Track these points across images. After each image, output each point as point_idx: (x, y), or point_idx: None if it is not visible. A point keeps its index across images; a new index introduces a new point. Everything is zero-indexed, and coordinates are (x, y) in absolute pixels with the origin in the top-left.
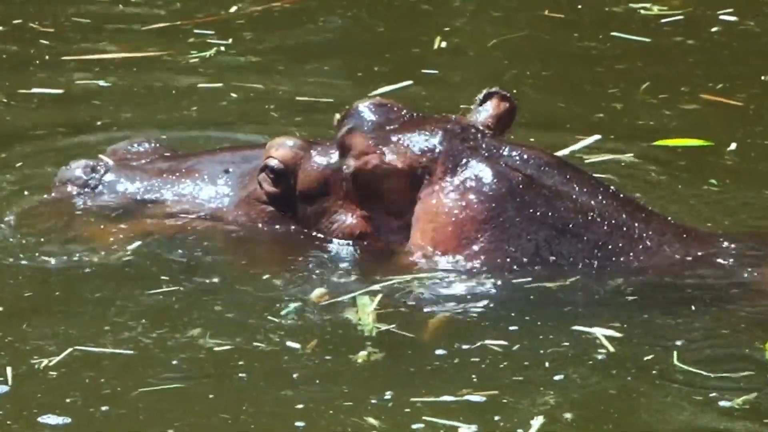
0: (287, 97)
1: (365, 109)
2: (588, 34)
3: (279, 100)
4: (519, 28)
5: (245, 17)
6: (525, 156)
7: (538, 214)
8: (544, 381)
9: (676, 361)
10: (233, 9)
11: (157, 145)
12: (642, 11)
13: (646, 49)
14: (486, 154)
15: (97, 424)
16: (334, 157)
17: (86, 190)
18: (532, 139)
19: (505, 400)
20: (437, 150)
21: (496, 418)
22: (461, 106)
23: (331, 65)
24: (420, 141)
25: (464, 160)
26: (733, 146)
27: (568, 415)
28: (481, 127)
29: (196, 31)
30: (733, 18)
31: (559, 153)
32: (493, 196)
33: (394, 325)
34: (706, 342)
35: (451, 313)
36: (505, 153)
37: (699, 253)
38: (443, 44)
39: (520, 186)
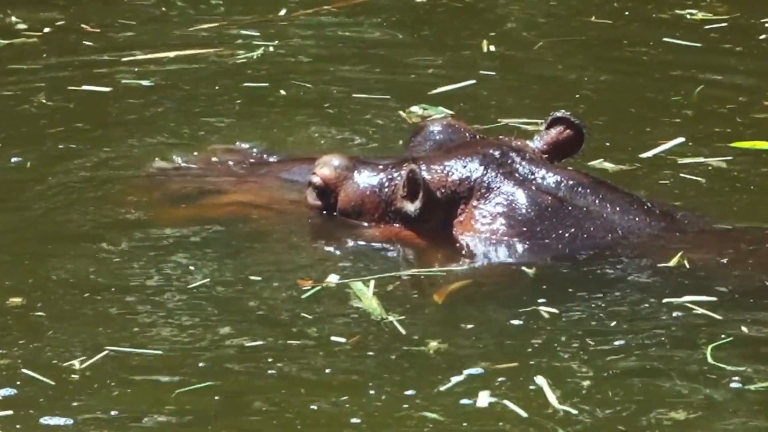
0: (340, 95)
1: (434, 129)
2: (637, 40)
3: (331, 99)
4: (567, 34)
5: (292, 21)
6: (559, 178)
7: (567, 235)
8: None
9: (708, 353)
10: (282, 12)
11: (254, 151)
12: (688, 17)
13: (696, 55)
14: (519, 178)
15: (98, 427)
16: (374, 179)
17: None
18: (607, 144)
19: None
20: (473, 178)
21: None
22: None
23: (382, 67)
24: (458, 168)
25: (497, 186)
26: None
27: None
28: (524, 151)
29: (243, 32)
30: None
31: (645, 155)
32: (522, 221)
33: (402, 309)
34: (739, 339)
35: (464, 281)
36: (538, 176)
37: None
38: (491, 48)
39: (549, 209)
